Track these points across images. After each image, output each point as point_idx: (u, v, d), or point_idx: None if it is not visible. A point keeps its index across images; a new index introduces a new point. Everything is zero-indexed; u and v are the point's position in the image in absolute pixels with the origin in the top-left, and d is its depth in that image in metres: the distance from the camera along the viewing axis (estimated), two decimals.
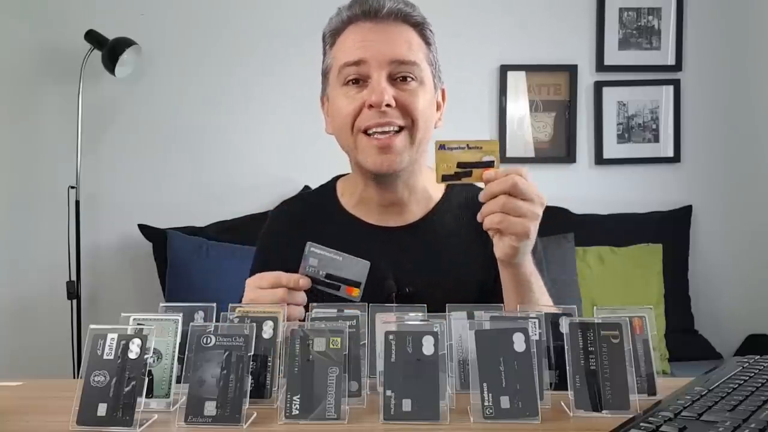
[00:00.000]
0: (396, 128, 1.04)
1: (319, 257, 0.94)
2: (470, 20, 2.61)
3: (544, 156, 2.66)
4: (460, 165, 0.92)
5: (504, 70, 2.63)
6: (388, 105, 1.02)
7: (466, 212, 1.16)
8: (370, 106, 1.03)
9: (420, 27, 1.08)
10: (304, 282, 0.94)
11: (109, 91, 2.55)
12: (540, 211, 0.92)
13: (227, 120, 2.58)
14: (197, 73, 2.58)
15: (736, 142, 2.66)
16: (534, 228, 0.91)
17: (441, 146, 0.92)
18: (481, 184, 0.94)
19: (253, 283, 0.96)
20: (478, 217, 0.92)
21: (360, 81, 1.05)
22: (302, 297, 0.94)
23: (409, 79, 1.05)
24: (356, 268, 0.94)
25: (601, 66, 2.65)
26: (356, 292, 0.94)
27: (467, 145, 0.92)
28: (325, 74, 1.13)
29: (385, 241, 1.13)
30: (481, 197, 0.92)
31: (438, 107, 1.13)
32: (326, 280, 0.94)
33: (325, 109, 1.15)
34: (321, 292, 0.95)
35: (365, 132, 1.05)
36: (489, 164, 0.92)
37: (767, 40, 2.61)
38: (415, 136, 1.06)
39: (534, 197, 0.90)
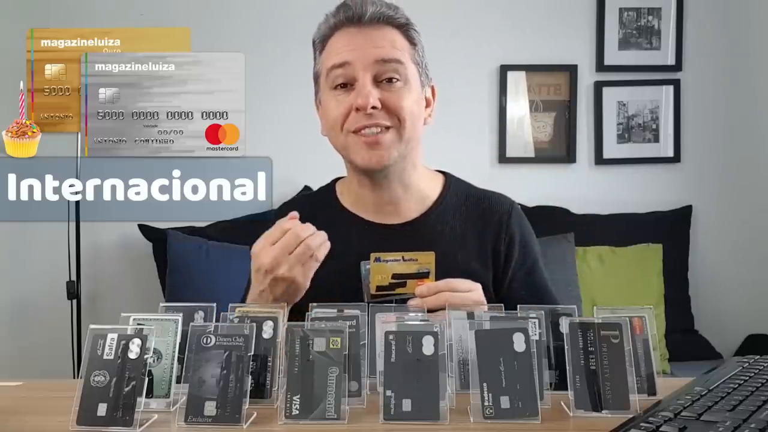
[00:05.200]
0: (383, 128, 1.07)
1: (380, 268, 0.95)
2: (470, 20, 2.60)
3: (544, 156, 2.66)
4: (395, 276, 0.95)
5: (504, 70, 2.63)
6: (374, 107, 1.05)
7: (463, 211, 1.18)
8: (357, 109, 1.06)
9: (404, 28, 1.11)
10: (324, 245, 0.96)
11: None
12: (479, 296, 0.98)
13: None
14: None
15: (736, 142, 2.65)
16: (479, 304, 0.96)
17: (377, 258, 0.95)
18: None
19: (259, 251, 0.99)
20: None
21: (347, 85, 1.08)
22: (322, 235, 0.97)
23: (394, 80, 1.08)
24: (422, 259, 0.95)
25: (601, 66, 2.65)
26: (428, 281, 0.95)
27: (402, 257, 0.95)
28: (316, 79, 1.16)
29: (384, 238, 1.14)
30: (414, 307, 0.94)
31: (428, 104, 1.16)
32: (393, 281, 0.95)
33: (319, 112, 1.18)
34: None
35: (354, 132, 1.08)
36: (424, 275, 0.95)
37: (767, 40, 2.62)
38: (402, 134, 1.09)
39: (469, 302, 0.95)
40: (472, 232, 1.17)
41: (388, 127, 1.07)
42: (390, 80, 1.08)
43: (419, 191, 1.18)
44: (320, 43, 1.14)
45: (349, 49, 1.08)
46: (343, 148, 1.12)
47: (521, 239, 1.18)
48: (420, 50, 1.13)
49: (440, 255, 1.14)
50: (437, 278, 1.11)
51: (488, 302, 1.03)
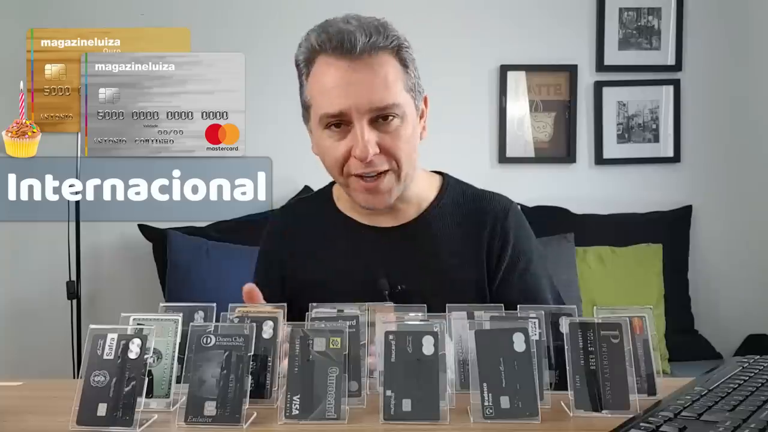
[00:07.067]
0: (382, 172, 1.06)
1: None
2: (470, 20, 2.60)
3: (544, 156, 2.66)
4: None
5: (504, 70, 2.63)
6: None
7: (458, 213, 1.18)
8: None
9: (396, 50, 1.06)
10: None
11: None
12: None
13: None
14: None
15: (736, 142, 2.65)
16: None
17: None
18: None
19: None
20: None
21: (342, 125, 1.05)
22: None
23: (390, 117, 1.04)
24: None
25: (601, 66, 2.65)
26: None
27: None
28: (304, 107, 1.12)
29: (378, 240, 1.15)
30: None
31: (421, 116, 1.13)
32: None
33: (311, 136, 1.14)
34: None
35: (354, 175, 1.07)
36: None
37: (767, 40, 2.62)
38: (400, 174, 1.08)
39: None
40: (468, 232, 1.16)
41: (386, 171, 1.06)
42: (386, 118, 1.04)
43: (415, 195, 1.17)
44: (305, 66, 1.09)
45: (342, 95, 1.02)
46: (345, 185, 1.11)
47: (516, 241, 1.16)
48: (413, 71, 1.08)
49: (434, 256, 1.14)
50: (429, 277, 1.11)
51: (483, 303, 1.03)
